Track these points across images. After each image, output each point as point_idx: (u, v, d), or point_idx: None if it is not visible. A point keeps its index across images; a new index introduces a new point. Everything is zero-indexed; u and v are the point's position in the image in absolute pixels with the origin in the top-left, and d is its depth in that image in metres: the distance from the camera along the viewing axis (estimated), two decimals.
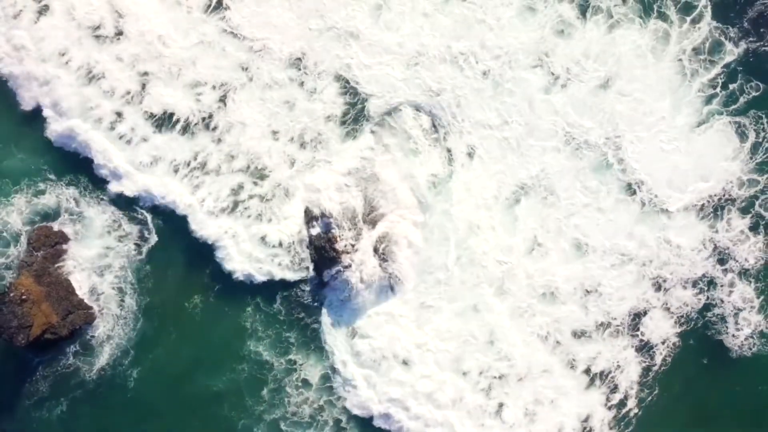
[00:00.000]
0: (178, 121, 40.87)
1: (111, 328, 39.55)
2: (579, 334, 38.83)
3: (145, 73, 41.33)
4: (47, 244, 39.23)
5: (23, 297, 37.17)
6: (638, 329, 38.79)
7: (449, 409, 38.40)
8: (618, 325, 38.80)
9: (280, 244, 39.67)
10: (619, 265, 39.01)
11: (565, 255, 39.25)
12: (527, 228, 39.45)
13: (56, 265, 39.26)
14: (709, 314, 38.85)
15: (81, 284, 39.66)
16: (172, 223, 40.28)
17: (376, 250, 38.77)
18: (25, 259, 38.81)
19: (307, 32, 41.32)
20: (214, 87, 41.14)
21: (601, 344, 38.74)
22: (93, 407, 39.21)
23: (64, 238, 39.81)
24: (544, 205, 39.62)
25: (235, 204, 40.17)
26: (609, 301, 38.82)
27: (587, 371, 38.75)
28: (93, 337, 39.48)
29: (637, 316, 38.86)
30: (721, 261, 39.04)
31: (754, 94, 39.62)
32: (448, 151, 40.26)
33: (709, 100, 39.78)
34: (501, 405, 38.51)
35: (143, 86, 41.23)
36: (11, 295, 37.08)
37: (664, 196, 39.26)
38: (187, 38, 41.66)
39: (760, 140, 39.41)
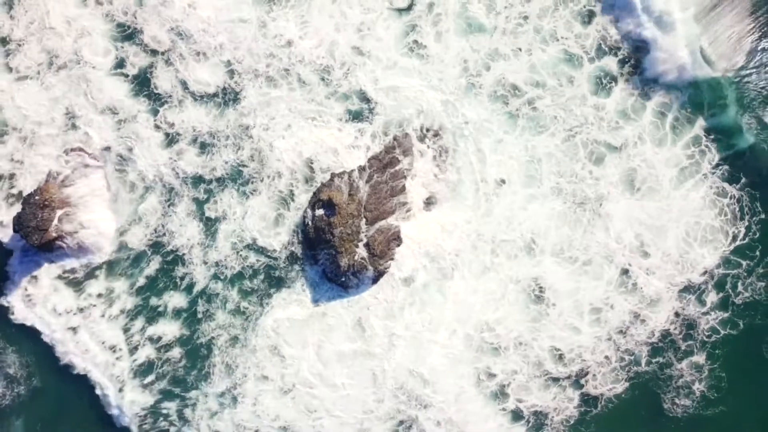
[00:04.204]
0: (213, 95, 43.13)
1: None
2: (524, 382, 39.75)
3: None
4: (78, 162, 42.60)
5: (46, 203, 40.20)
6: (585, 377, 39.35)
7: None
8: (566, 377, 39.51)
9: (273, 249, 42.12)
10: (578, 327, 39.50)
11: (527, 311, 39.88)
12: (501, 274, 40.38)
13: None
14: (661, 373, 39.21)
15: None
16: None
17: (368, 244, 40.26)
18: (56, 168, 41.80)
19: (340, 43, 42.54)
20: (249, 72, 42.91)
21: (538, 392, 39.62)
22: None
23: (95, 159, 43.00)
24: (520, 256, 40.41)
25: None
26: (565, 361, 39.50)
27: (518, 409, 39.53)
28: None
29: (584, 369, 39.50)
30: (689, 326, 39.21)
31: (755, 179, 39.47)
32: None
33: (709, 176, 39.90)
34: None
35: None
36: (36, 198, 40.15)
37: (642, 272, 39.47)
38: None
39: (754, 221, 39.20)
